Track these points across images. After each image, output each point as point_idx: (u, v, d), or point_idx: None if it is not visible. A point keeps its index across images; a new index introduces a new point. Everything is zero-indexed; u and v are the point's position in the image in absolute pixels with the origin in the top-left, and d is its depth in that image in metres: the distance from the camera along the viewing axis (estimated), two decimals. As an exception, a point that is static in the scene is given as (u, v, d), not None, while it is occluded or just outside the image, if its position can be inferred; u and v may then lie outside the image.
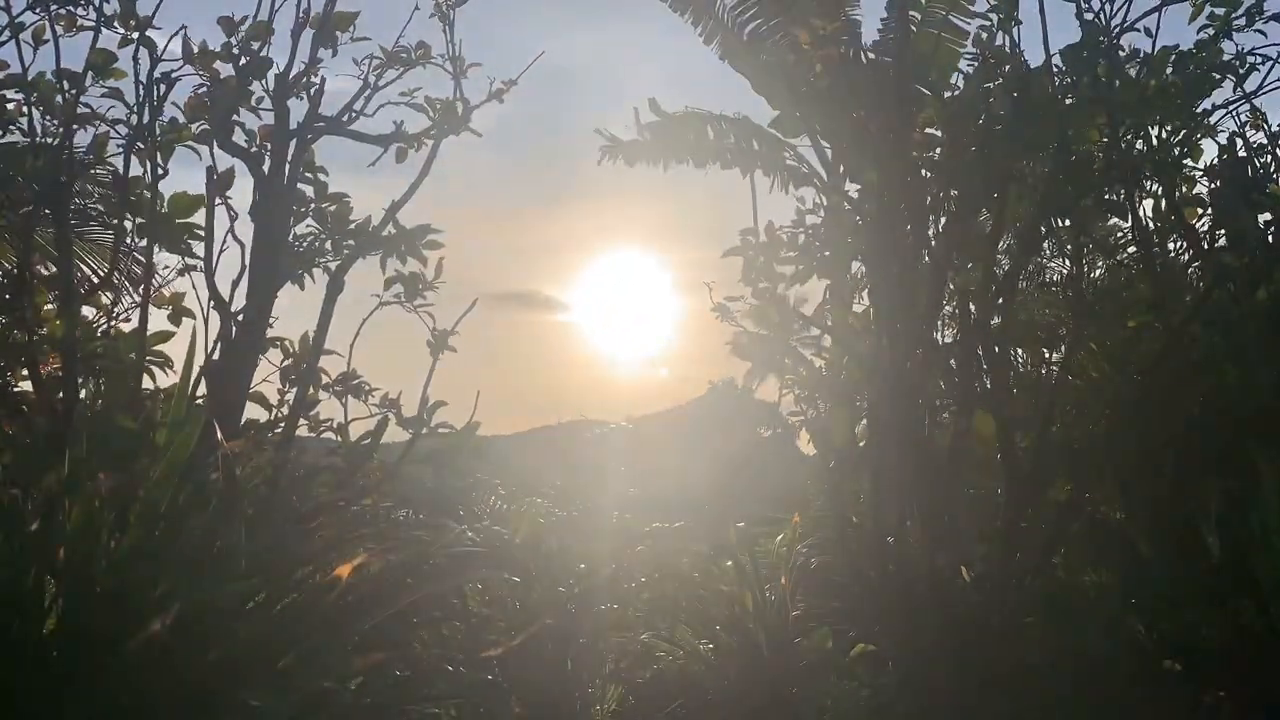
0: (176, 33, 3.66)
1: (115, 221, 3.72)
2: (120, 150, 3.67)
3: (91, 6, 3.59)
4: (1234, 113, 4.71)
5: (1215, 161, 4.71)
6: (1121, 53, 4.43)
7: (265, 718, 2.39)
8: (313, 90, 3.86)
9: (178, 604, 2.34)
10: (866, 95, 4.90)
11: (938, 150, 4.80)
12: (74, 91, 3.58)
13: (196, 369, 3.29)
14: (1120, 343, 5.11)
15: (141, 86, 3.63)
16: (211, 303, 3.63)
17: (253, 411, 3.70)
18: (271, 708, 2.39)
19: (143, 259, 3.81)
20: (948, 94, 4.73)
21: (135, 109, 3.63)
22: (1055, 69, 4.44)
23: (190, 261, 3.73)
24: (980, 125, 4.56)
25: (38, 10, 3.54)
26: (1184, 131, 4.59)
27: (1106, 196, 4.56)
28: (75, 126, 3.61)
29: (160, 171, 3.65)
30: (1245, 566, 4.01)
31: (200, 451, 2.77)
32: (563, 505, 5.73)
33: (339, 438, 3.79)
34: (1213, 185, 4.73)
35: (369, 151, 4.01)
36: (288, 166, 3.81)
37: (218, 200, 3.69)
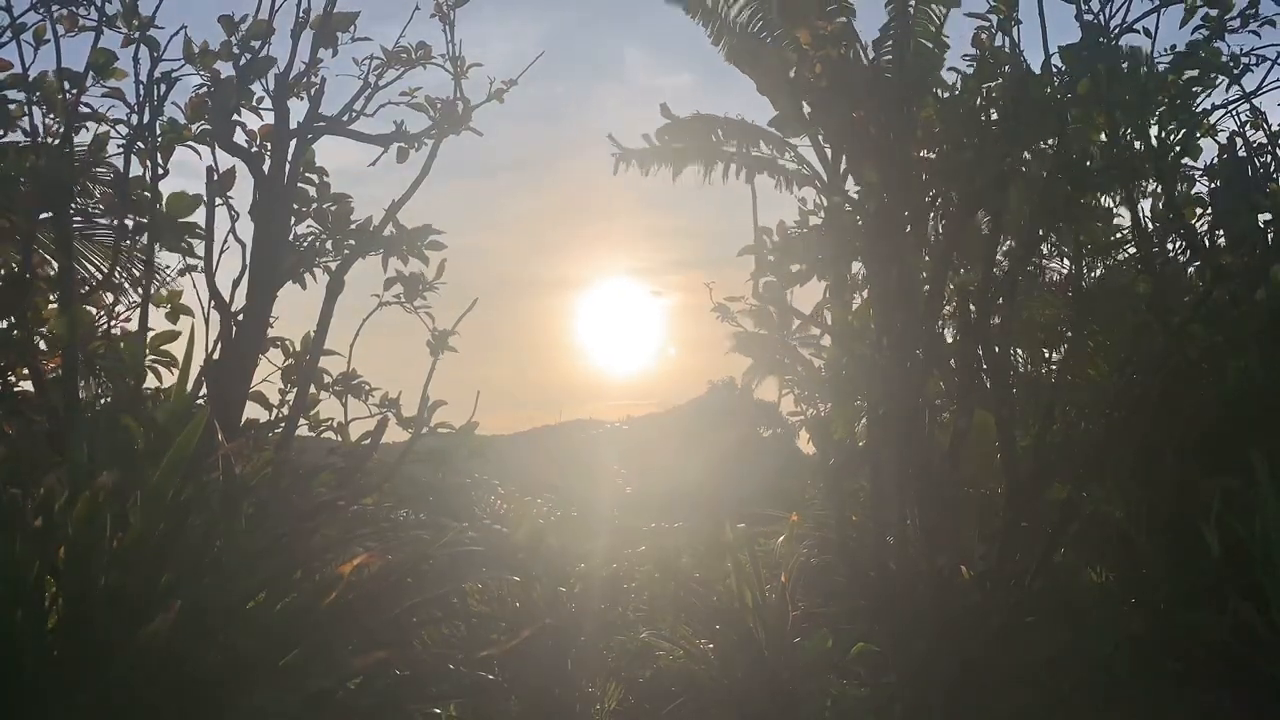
0: (177, 32, 3.67)
1: (116, 221, 3.72)
2: (120, 150, 3.68)
3: (93, 6, 3.60)
4: (1234, 113, 4.72)
5: (1215, 161, 4.71)
6: (1120, 53, 4.44)
7: (265, 717, 2.39)
8: (313, 90, 3.86)
9: (178, 603, 2.35)
10: (866, 96, 4.90)
11: (938, 150, 4.80)
12: (75, 91, 3.58)
13: (197, 368, 3.30)
14: (1120, 343, 5.11)
15: (142, 86, 3.64)
16: (212, 302, 3.63)
17: (253, 411, 3.71)
18: (272, 707, 2.39)
19: (144, 258, 3.82)
20: (947, 94, 4.73)
21: (135, 109, 3.64)
22: (1055, 69, 4.44)
23: (191, 261, 3.74)
24: (980, 125, 4.56)
25: (40, 10, 3.55)
26: (1184, 131, 4.59)
27: (1107, 190, 4.56)
28: (76, 126, 3.62)
29: (160, 171, 3.66)
30: (1246, 566, 4.01)
31: (201, 451, 2.77)
32: (563, 505, 5.74)
33: (339, 438, 3.80)
34: (1213, 185, 4.74)
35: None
36: (288, 166, 3.81)
37: (218, 200, 3.70)
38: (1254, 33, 4.32)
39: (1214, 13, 4.31)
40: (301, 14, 3.80)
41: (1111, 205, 5.62)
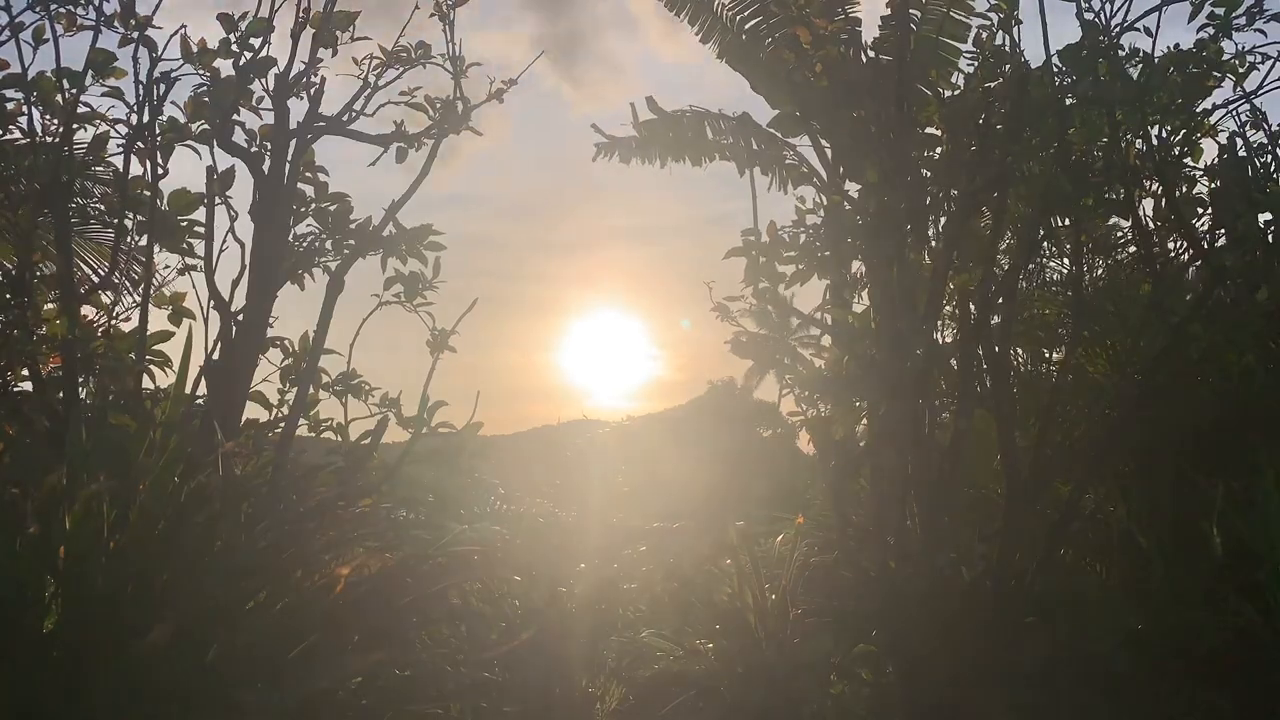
0: (176, 32, 3.67)
1: (115, 221, 3.72)
2: (120, 149, 3.68)
3: (91, 6, 3.60)
4: (1234, 113, 4.71)
5: (1215, 161, 4.70)
6: (1121, 52, 4.43)
7: (264, 717, 2.39)
8: (313, 90, 3.86)
9: (177, 603, 2.34)
10: (866, 95, 4.90)
11: (938, 150, 4.80)
12: (74, 90, 3.58)
13: (196, 368, 3.30)
14: (1120, 342, 5.11)
15: (141, 86, 3.63)
16: (211, 302, 3.63)
17: (253, 411, 3.70)
18: (271, 707, 2.39)
19: (143, 258, 3.82)
20: (948, 94, 4.72)
21: (135, 108, 3.64)
22: (1055, 69, 4.43)
23: (190, 261, 3.74)
24: (980, 125, 4.56)
25: (38, 9, 3.54)
26: (1184, 131, 4.58)
27: (1107, 195, 4.55)
28: (75, 125, 3.61)
29: (160, 171, 3.66)
30: (1246, 566, 4.01)
31: (200, 451, 2.77)
32: (563, 505, 5.74)
33: (339, 438, 3.80)
34: (1213, 185, 4.73)
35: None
36: (288, 166, 3.81)
37: (218, 200, 3.70)
38: (1260, 31, 4.31)
39: (1220, 10, 4.30)
40: (301, 13, 3.80)
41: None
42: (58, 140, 3.59)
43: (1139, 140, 4.56)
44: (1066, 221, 5.18)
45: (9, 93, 3.59)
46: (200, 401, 3.46)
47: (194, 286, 3.72)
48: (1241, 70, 4.41)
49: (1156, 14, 4.39)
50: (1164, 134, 4.56)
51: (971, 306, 4.59)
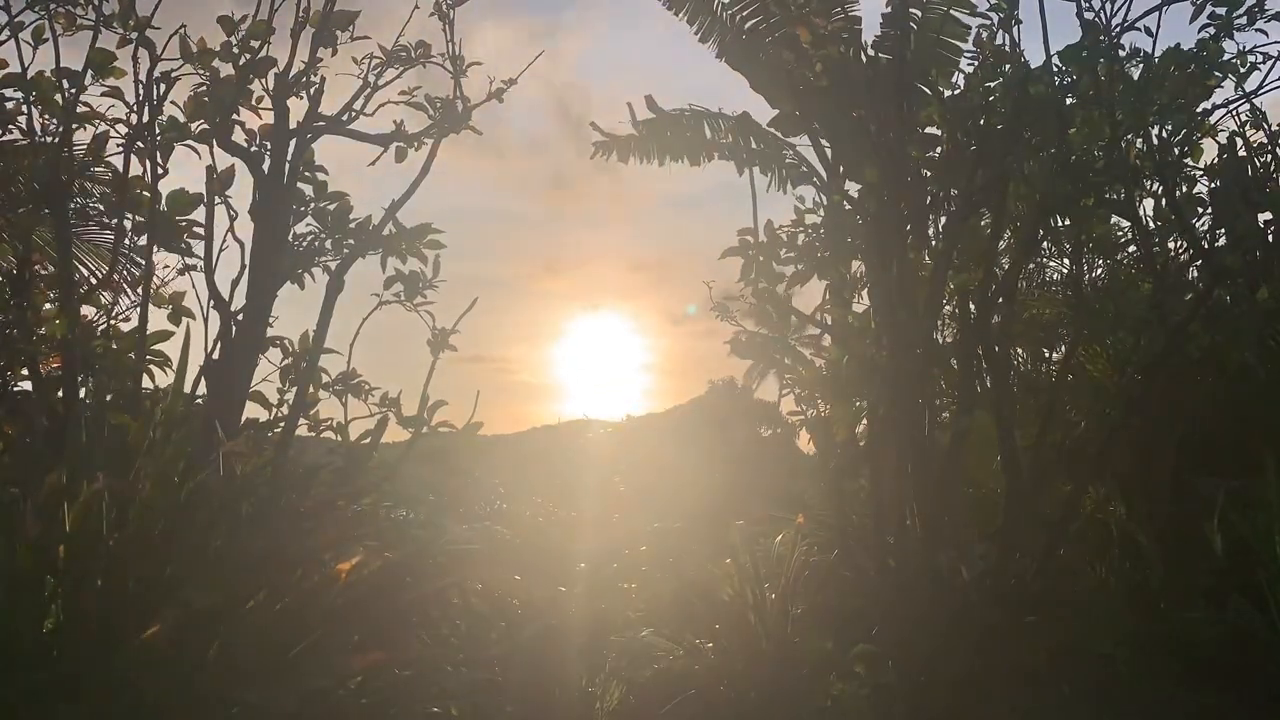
0: (175, 32, 3.66)
1: (115, 221, 3.72)
2: (120, 149, 3.67)
3: (91, 6, 3.59)
4: (1234, 113, 4.71)
5: (1215, 161, 4.70)
6: (1121, 52, 4.43)
7: (264, 717, 2.39)
8: (312, 89, 3.85)
9: (177, 603, 2.34)
10: (866, 95, 4.90)
11: (938, 150, 4.80)
12: (73, 90, 3.58)
13: (196, 368, 3.29)
14: (1120, 342, 5.11)
15: (141, 85, 3.63)
16: (211, 302, 3.63)
17: (253, 411, 3.70)
18: (271, 707, 2.38)
19: (142, 258, 3.81)
20: (948, 93, 4.72)
21: (135, 108, 3.63)
22: (1055, 69, 4.43)
23: (190, 261, 3.74)
24: (980, 125, 4.56)
25: (37, 9, 3.54)
26: (1184, 131, 4.59)
27: (1107, 195, 4.56)
28: (75, 125, 3.61)
29: (160, 170, 3.65)
30: (1246, 566, 4.01)
31: (200, 450, 2.77)
32: (563, 505, 5.73)
33: (339, 437, 3.79)
34: (1213, 185, 4.73)
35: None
36: (287, 165, 3.80)
37: (217, 199, 3.69)
38: (1261, 30, 4.31)
39: (1222, 11, 4.29)
40: (301, 13, 3.79)
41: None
42: (57, 140, 3.59)
43: (1139, 140, 4.56)
44: (1066, 221, 5.19)
45: (8, 92, 3.58)
46: (200, 401, 3.46)
47: (194, 286, 3.72)
48: (1243, 70, 4.41)
49: (1157, 14, 4.40)
50: (1164, 134, 4.56)
51: (971, 306, 4.59)
